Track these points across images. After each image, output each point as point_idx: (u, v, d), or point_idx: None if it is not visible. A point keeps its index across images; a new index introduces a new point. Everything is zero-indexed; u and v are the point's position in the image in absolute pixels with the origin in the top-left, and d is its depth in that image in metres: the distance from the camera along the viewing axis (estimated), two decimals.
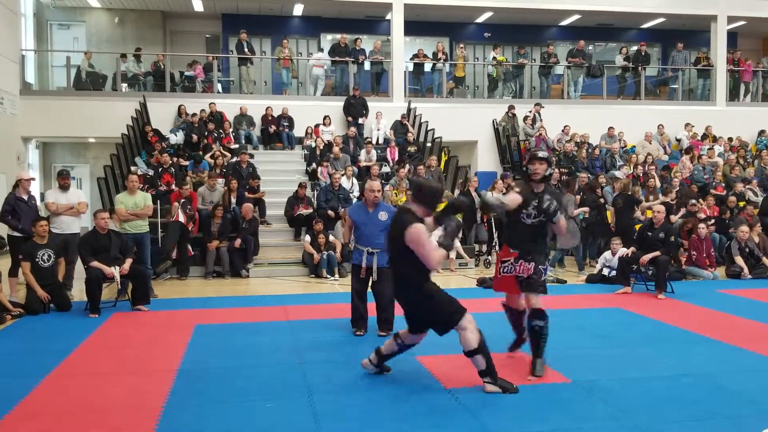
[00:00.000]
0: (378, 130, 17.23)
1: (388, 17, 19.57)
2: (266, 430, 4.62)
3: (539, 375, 5.72)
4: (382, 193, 12.50)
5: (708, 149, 17.63)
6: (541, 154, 6.01)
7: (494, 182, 14.45)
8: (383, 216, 7.28)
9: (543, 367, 5.79)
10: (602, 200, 13.28)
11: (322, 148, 15.67)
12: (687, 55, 21.04)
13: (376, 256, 7.22)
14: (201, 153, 14.93)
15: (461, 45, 20.95)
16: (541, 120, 17.92)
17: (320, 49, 20.90)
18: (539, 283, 5.95)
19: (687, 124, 18.95)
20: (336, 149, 15.03)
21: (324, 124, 16.86)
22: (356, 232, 7.42)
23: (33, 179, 10.31)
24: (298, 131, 17.02)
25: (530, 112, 18.08)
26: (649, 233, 10.16)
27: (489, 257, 13.18)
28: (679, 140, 18.87)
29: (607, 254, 11.21)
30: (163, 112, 16.80)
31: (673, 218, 12.70)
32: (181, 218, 11.41)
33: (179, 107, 16.63)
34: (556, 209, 5.86)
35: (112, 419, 4.81)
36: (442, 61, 19.09)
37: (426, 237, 5.23)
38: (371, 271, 7.23)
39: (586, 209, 12.70)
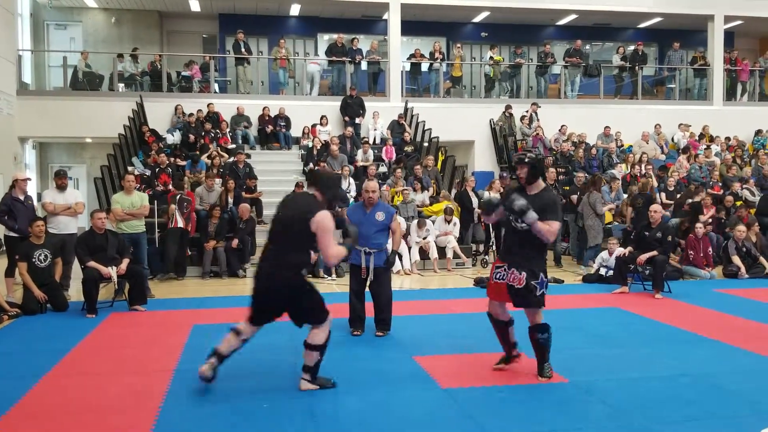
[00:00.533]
0: (375, 129, 17.24)
1: (385, 17, 19.58)
2: (263, 431, 4.62)
3: (548, 377, 5.66)
4: (380, 193, 12.57)
5: (705, 149, 17.66)
6: (519, 157, 5.74)
7: (491, 182, 14.45)
8: (380, 216, 7.29)
9: (550, 369, 5.71)
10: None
11: (319, 148, 15.67)
12: (683, 54, 21.07)
13: (372, 257, 7.22)
14: (198, 153, 14.90)
15: (458, 45, 20.95)
16: (538, 119, 17.94)
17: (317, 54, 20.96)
18: (532, 297, 5.55)
19: (681, 124, 18.96)
20: (334, 148, 15.03)
21: (321, 124, 16.86)
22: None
23: (29, 179, 10.28)
24: (295, 131, 17.02)
25: (527, 111, 18.10)
26: (647, 233, 10.16)
27: (486, 257, 13.18)
28: (675, 141, 18.88)
29: (604, 254, 11.22)
30: (160, 112, 16.78)
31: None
32: (180, 223, 11.31)
33: (176, 107, 16.61)
34: (521, 208, 5.37)
35: (110, 419, 4.80)
36: (439, 60, 19.09)
37: (332, 228, 5.20)
38: (368, 271, 7.24)
39: (613, 206, 12.76)
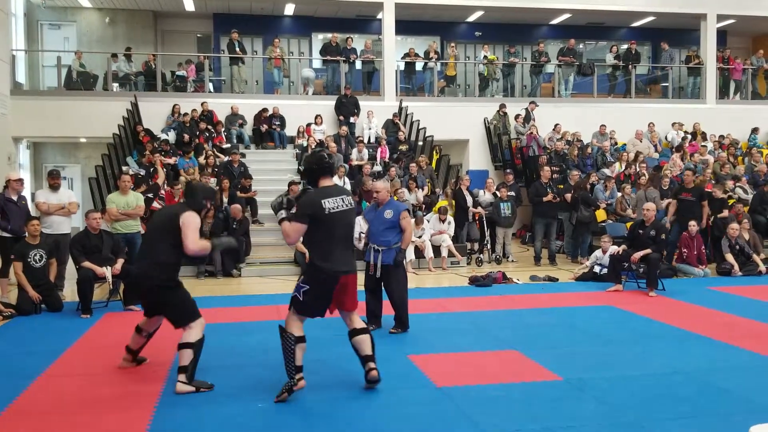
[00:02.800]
0: (369, 129, 17.24)
1: (379, 16, 19.58)
2: (258, 430, 4.63)
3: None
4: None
5: (701, 146, 17.72)
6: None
7: (487, 181, 14.48)
8: (388, 214, 7.37)
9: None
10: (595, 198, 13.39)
11: (314, 147, 15.66)
12: (672, 53, 21.14)
13: (381, 254, 7.28)
14: (193, 152, 14.89)
15: (452, 44, 20.98)
16: (533, 119, 17.97)
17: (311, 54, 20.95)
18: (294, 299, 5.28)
19: (674, 123, 19.01)
20: (332, 146, 15.05)
21: (316, 123, 16.86)
22: (368, 230, 7.59)
23: (22, 180, 10.26)
24: (290, 130, 17.01)
25: (523, 110, 18.11)
26: (641, 231, 10.20)
27: (481, 256, 13.21)
28: (669, 140, 18.94)
29: (598, 252, 11.25)
30: (154, 112, 16.76)
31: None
32: None
33: (173, 107, 16.60)
34: (275, 206, 5.56)
35: (105, 420, 4.81)
36: (433, 60, 19.11)
37: (196, 225, 5.58)
38: (377, 268, 7.31)
39: (673, 201, 12.86)
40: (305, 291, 5.14)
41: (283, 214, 5.44)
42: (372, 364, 5.31)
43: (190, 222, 5.51)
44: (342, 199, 5.20)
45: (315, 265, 5.17)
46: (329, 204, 5.11)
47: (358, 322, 5.39)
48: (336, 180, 13.66)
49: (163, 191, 12.67)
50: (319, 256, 5.17)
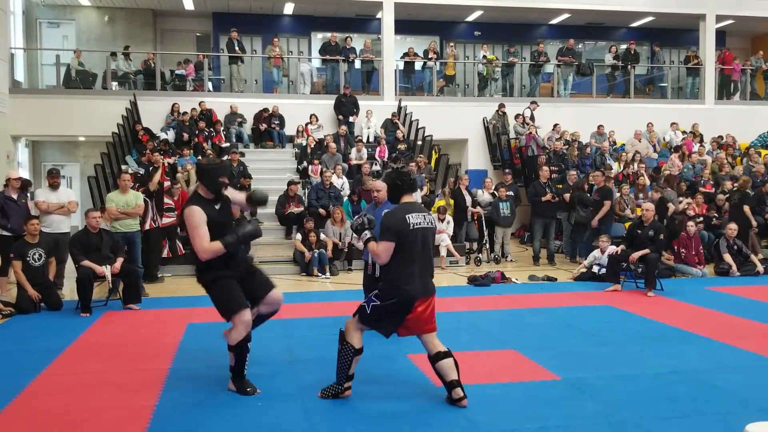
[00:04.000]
0: (368, 128, 17.25)
1: (378, 16, 19.59)
2: (257, 429, 4.65)
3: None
4: (381, 193, 12.58)
5: (699, 146, 17.75)
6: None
7: (485, 180, 14.49)
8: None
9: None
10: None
11: (313, 146, 15.68)
12: (668, 53, 21.15)
13: None
14: (192, 151, 14.90)
15: (451, 44, 20.99)
16: (533, 119, 17.97)
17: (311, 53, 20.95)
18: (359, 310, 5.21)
19: (673, 123, 19.03)
20: (332, 145, 15.07)
21: (311, 123, 16.87)
22: None
23: (22, 178, 10.27)
24: (289, 130, 17.02)
25: (527, 110, 18.10)
26: (639, 231, 10.23)
27: (480, 255, 13.23)
28: (667, 140, 18.96)
29: (597, 252, 11.27)
30: (153, 111, 16.76)
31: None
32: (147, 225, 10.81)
33: (173, 105, 16.60)
34: (358, 227, 5.24)
35: (104, 418, 4.83)
36: (432, 59, 19.12)
37: (197, 220, 5.14)
38: (374, 267, 7.30)
39: (690, 201, 13.07)
40: (375, 306, 5.02)
41: (368, 234, 5.20)
42: (460, 392, 4.99)
43: (191, 220, 5.11)
44: (424, 216, 5.06)
45: (393, 286, 4.97)
46: (413, 219, 4.97)
47: (440, 346, 5.09)
48: (335, 179, 13.80)
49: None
50: (398, 276, 4.96)
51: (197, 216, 5.14)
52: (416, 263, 4.97)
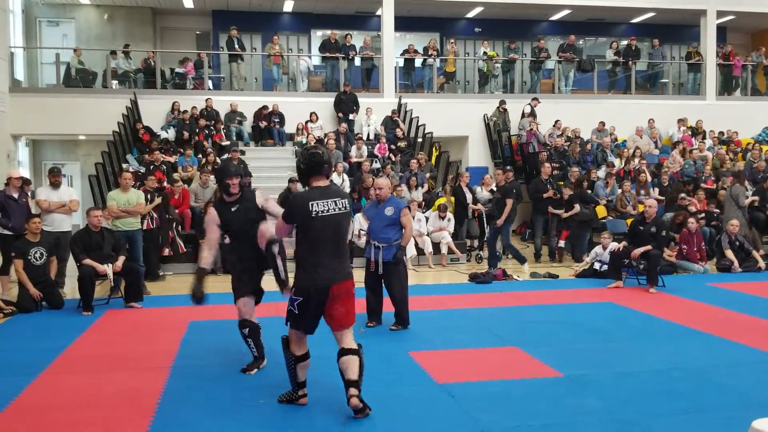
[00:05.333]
0: (368, 126, 17.23)
1: (378, 13, 19.56)
2: (260, 426, 4.64)
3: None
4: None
5: (699, 142, 17.73)
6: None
7: (483, 177, 14.44)
8: (389, 211, 7.43)
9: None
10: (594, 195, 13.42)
11: (313, 144, 15.67)
12: (669, 49, 21.11)
13: (381, 251, 7.32)
14: (192, 150, 14.89)
15: (452, 40, 20.96)
16: (534, 115, 17.94)
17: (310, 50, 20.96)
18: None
19: (680, 120, 18.99)
20: (331, 143, 15.05)
21: (311, 121, 16.85)
22: (369, 227, 7.67)
23: (23, 177, 10.27)
24: (289, 127, 17.00)
25: (528, 106, 18.05)
26: (641, 227, 10.21)
27: (480, 252, 13.21)
28: (670, 136, 18.95)
29: (598, 249, 11.26)
30: (154, 109, 16.74)
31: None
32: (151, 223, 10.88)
33: (173, 104, 16.59)
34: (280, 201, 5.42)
35: (107, 416, 4.82)
36: (433, 56, 19.10)
37: (206, 221, 5.88)
38: (378, 264, 7.36)
39: (756, 198, 12.98)
40: (299, 303, 4.76)
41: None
42: (354, 391, 4.67)
43: (205, 219, 5.82)
44: (335, 201, 4.76)
45: (305, 273, 4.75)
46: (318, 207, 4.69)
47: (349, 342, 4.81)
48: (335, 177, 13.78)
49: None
50: (306, 263, 4.75)
51: (208, 217, 5.88)
52: (324, 250, 4.72)
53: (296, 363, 4.92)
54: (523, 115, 17.82)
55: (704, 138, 18.60)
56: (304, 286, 4.75)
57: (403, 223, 7.39)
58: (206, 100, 16.63)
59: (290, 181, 13.21)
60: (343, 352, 4.77)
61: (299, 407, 4.95)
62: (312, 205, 4.68)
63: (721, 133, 18.88)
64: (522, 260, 11.96)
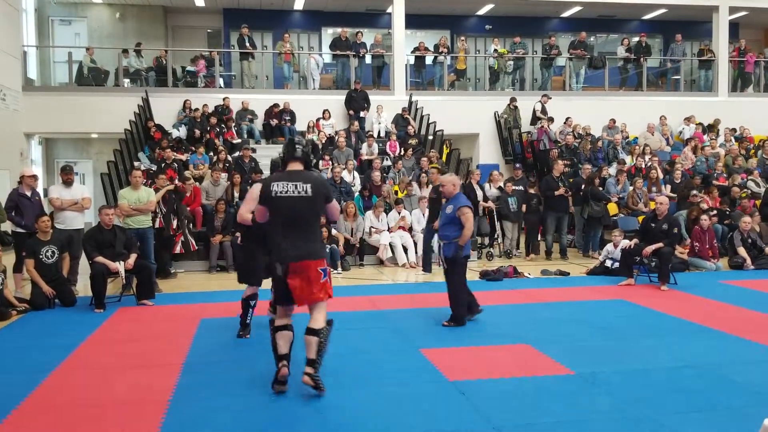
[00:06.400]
0: (379, 123, 17.23)
1: (389, 11, 19.55)
2: (270, 422, 4.66)
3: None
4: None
5: (711, 140, 17.62)
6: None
7: (491, 174, 14.35)
8: (449, 209, 7.50)
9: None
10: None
11: (323, 142, 15.68)
12: (684, 47, 20.98)
13: (443, 247, 7.48)
14: (204, 148, 14.94)
15: (462, 38, 20.92)
16: (545, 112, 17.90)
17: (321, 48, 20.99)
18: None
19: (690, 117, 18.88)
20: (341, 140, 15.06)
21: (324, 118, 16.87)
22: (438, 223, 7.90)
23: (36, 176, 10.33)
24: (300, 125, 17.02)
25: (536, 103, 18.01)
26: (653, 225, 10.16)
27: (491, 250, 13.18)
28: (681, 130, 18.84)
29: (610, 246, 11.22)
30: (165, 108, 16.82)
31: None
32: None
33: (185, 102, 16.65)
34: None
35: (119, 413, 4.85)
36: (443, 53, 19.07)
37: (250, 195, 6.09)
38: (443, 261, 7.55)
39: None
40: (272, 278, 5.27)
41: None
42: (308, 369, 4.98)
43: (249, 192, 6.29)
44: (296, 185, 5.03)
45: (272, 249, 5.20)
46: (277, 187, 5.04)
47: (315, 321, 5.06)
48: (345, 175, 13.77)
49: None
50: (272, 239, 5.17)
51: (254, 191, 5.99)
52: (284, 228, 5.04)
53: (274, 331, 5.17)
54: (534, 113, 17.77)
55: (717, 135, 18.48)
56: (271, 261, 5.19)
57: (462, 222, 7.39)
58: (224, 99, 16.70)
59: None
60: (306, 330, 5.08)
61: (311, 404, 4.96)
62: (272, 185, 5.07)
63: (734, 129, 18.76)
64: (428, 267, 11.43)
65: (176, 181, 12.92)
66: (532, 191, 13.25)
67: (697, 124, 18.90)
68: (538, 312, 8.33)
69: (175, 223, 11.23)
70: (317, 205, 5.15)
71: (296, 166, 5.19)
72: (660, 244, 9.85)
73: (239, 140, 16.00)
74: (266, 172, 14.16)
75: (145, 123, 16.10)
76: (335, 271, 11.56)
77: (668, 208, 10.46)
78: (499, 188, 13.67)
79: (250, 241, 6.63)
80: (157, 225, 10.74)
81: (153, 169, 13.72)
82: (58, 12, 20.53)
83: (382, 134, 16.94)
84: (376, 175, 13.57)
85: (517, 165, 15.16)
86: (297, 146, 5.21)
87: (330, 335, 5.15)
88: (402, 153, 15.36)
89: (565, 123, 17.57)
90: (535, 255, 13.03)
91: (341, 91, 18.13)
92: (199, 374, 5.73)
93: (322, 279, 5.08)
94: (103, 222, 8.81)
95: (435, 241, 11.11)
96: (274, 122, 16.84)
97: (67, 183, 9.96)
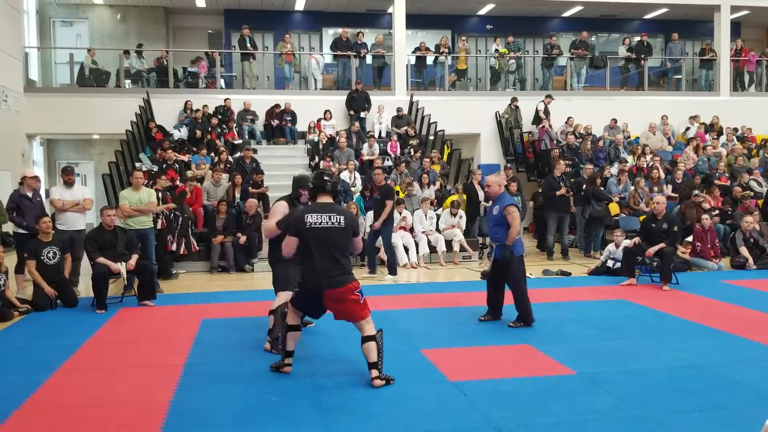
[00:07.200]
0: (380, 123, 17.23)
1: (389, 11, 19.55)
2: (272, 423, 4.66)
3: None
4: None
5: (713, 139, 17.61)
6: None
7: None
8: (496, 210, 7.48)
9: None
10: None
11: (325, 142, 15.69)
12: (683, 45, 20.96)
13: (494, 249, 7.50)
14: (205, 149, 14.95)
15: (463, 37, 20.92)
16: (547, 113, 17.89)
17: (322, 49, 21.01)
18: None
19: (696, 116, 18.85)
20: (342, 141, 15.06)
21: (325, 119, 16.87)
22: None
23: (37, 177, 10.34)
24: (301, 126, 17.03)
25: (538, 104, 18.00)
26: (653, 225, 10.15)
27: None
28: (687, 128, 18.81)
29: (611, 246, 11.21)
30: (166, 108, 16.83)
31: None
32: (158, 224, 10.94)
33: (186, 103, 16.67)
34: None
35: (121, 414, 4.85)
36: (444, 53, 19.07)
37: (274, 211, 6.35)
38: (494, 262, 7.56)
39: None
40: (296, 292, 5.61)
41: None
42: (374, 372, 5.36)
43: (274, 208, 6.45)
44: (329, 216, 5.36)
45: (302, 276, 5.54)
46: (311, 219, 5.35)
47: (367, 330, 5.42)
48: (346, 175, 13.78)
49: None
50: (303, 268, 5.51)
51: (278, 208, 6.33)
52: (316, 258, 5.36)
53: (287, 331, 5.62)
54: (536, 114, 17.76)
55: (719, 134, 18.46)
56: (303, 284, 5.53)
57: (508, 222, 7.36)
58: (225, 99, 16.71)
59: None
60: (363, 339, 5.41)
61: (313, 405, 4.96)
62: (307, 217, 5.36)
63: (736, 129, 18.74)
64: (393, 270, 11.23)
65: (177, 182, 12.96)
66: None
67: (700, 124, 18.89)
68: (540, 312, 8.28)
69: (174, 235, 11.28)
70: (348, 236, 5.49)
71: (326, 199, 5.52)
72: (662, 245, 9.82)
73: (240, 141, 16.01)
74: (268, 173, 14.27)
75: (146, 124, 16.12)
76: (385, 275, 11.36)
77: (666, 207, 10.44)
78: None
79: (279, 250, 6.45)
80: (159, 226, 10.75)
81: (154, 169, 13.73)
82: (59, 13, 20.56)
83: (383, 134, 16.94)
84: (378, 172, 13.53)
85: (508, 165, 15.05)
86: (327, 180, 5.52)
87: (383, 340, 5.48)
88: (411, 153, 15.33)
89: (566, 123, 17.56)
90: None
91: (342, 91, 18.14)
92: (201, 375, 5.73)
93: (361, 300, 5.44)
94: (105, 223, 8.82)
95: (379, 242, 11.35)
96: (275, 123, 16.85)
97: (69, 184, 9.97)
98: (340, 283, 5.35)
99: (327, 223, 5.34)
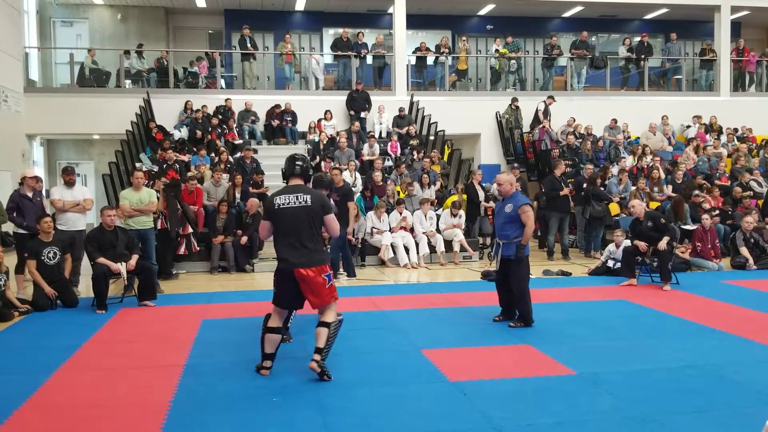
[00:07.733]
0: (380, 123, 17.22)
1: (390, 11, 19.56)
2: (273, 424, 4.65)
3: None
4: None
5: (714, 140, 17.60)
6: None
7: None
8: (508, 208, 7.43)
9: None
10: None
11: (325, 142, 15.69)
12: (683, 45, 20.96)
13: (502, 247, 7.43)
14: (205, 149, 14.95)
15: (463, 38, 20.92)
16: (547, 113, 17.88)
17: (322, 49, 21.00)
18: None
19: (699, 116, 18.84)
20: (343, 141, 15.05)
21: (325, 119, 16.87)
22: (493, 223, 7.85)
23: (38, 177, 10.34)
24: (302, 126, 17.03)
25: (538, 104, 17.99)
26: (639, 226, 10.17)
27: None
28: (688, 126, 18.80)
29: (612, 246, 11.21)
30: (167, 109, 16.83)
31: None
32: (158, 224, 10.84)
33: (186, 103, 16.67)
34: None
35: (121, 414, 4.85)
36: (444, 54, 19.07)
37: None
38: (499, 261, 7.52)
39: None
40: (275, 282, 5.63)
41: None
42: (316, 356, 5.42)
43: None
44: (297, 196, 5.49)
45: (277, 258, 5.61)
46: (280, 200, 5.52)
47: (326, 317, 5.52)
48: (346, 175, 13.75)
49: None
50: (277, 249, 5.58)
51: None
52: (289, 237, 5.47)
53: (265, 333, 5.60)
54: (536, 114, 17.76)
55: (720, 134, 18.45)
56: (276, 269, 5.61)
57: (523, 221, 7.33)
58: (226, 100, 16.72)
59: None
60: (318, 324, 5.52)
61: (313, 405, 4.96)
62: (275, 199, 5.54)
63: (736, 129, 18.73)
64: (351, 272, 11.00)
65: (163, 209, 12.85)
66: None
67: (700, 124, 18.88)
68: (540, 312, 8.28)
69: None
70: (317, 215, 5.55)
71: (297, 182, 5.67)
72: (665, 239, 9.76)
73: (240, 141, 16.01)
74: (268, 173, 14.26)
75: (146, 124, 16.12)
76: (343, 276, 11.33)
77: (642, 209, 10.41)
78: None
79: None
80: (159, 226, 10.75)
81: (155, 170, 13.73)
82: (59, 13, 20.56)
83: (384, 135, 16.94)
84: (377, 175, 13.57)
85: (515, 165, 15.07)
86: (296, 163, 5.67)
87: (339, 330, 5.56)
88: (412, 154, 15.31)
89: (566, 123, 17.55)
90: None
91: (342, 91, 18.14)
92: (201, 375, 5.73)
93: (328, 284, 5.50)
94: (105, 223, 8.82)
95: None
96: (275, 123, 16.85)
97: (69, 184, 9.97)
98: (310, 262, 5.43)
99: (294, 203, 5.47)
